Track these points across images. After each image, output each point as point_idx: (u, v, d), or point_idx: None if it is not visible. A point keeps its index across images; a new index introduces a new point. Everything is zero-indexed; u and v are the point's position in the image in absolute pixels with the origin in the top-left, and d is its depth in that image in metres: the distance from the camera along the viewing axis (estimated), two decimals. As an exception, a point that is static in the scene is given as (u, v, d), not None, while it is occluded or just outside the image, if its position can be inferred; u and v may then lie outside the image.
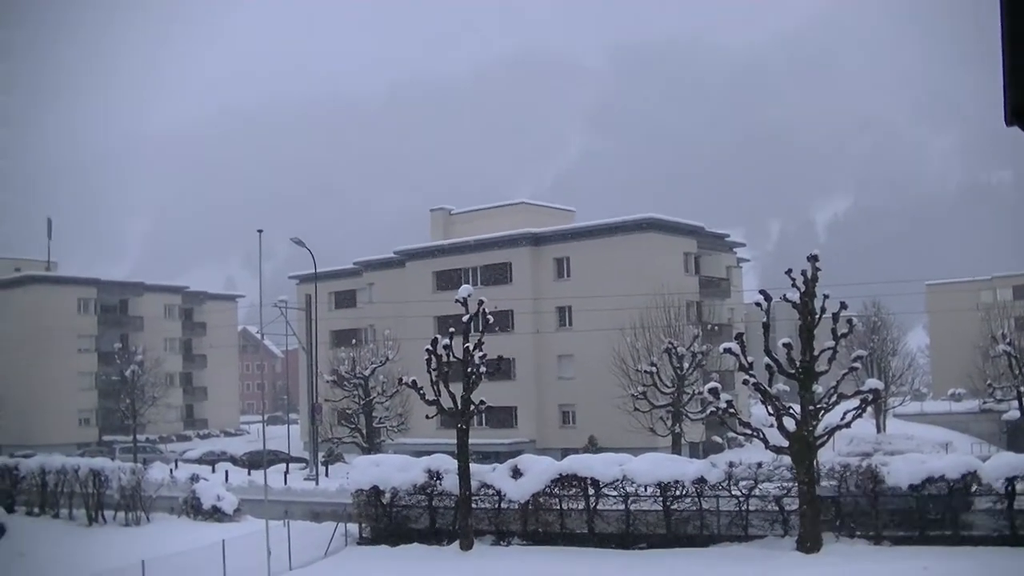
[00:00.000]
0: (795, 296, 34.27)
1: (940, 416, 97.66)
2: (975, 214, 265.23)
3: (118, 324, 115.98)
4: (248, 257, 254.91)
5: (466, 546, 37.19)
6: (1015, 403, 73.75)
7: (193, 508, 48.79)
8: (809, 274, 34.45)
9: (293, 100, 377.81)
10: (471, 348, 38.66)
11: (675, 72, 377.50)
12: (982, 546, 32.86)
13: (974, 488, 33.79)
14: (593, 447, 65.76)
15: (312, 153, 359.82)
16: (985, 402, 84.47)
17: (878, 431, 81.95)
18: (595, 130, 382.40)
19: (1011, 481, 33.29)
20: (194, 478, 53.97)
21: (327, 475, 69.23)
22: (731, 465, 35.94)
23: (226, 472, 68.92)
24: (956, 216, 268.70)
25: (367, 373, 72.61)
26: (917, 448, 71.35)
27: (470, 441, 39.21)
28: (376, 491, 40.15)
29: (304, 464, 76.12)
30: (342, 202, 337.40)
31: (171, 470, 66.88)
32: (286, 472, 69.44)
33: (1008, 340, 72.35)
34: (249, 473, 68.41)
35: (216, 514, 47.82)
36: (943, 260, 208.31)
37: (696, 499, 36.42)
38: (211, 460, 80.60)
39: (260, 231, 43.58)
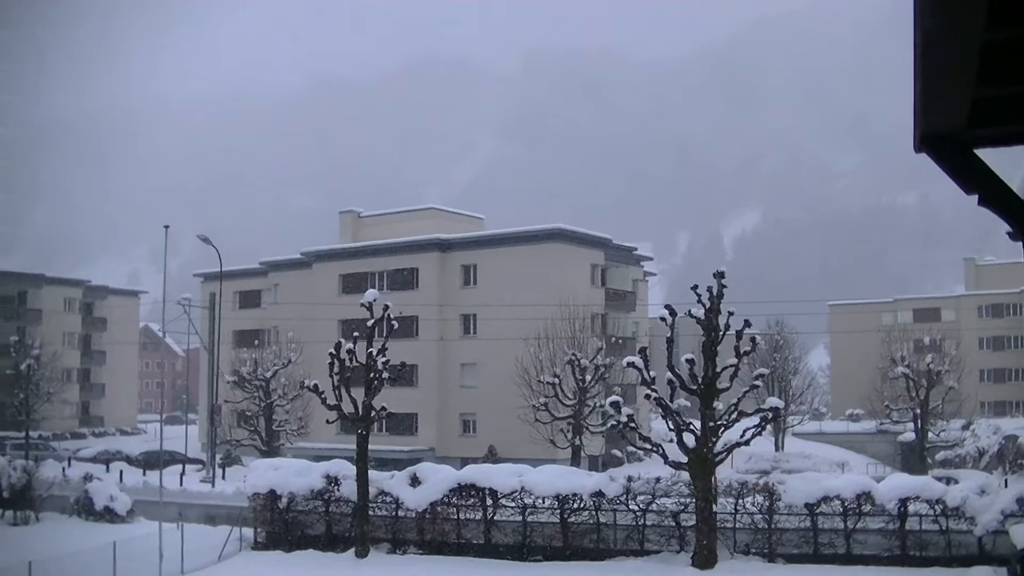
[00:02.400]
0: (700, 312, 34.48)
1: (838, 436, 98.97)
2: (881, 235, 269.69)
3: (15, 316, 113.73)
4: (153, 252, 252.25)
5: (362, 553, 36.94)
6: (911, 425, 74.92)
7: (85, 508, 47.96)
8: (715, 291, 34.69)
9: (205, 93, 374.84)
10: (375, 353, 38.47)
11: (588, 82, 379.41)
12: (874, 565, 33.32)
13: (868, 508, 34.27)
14: (492, 457, 65.70)
15: (223, 148, 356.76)
16: (882, 423, 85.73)
17: (776, 449, 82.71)
18: (507, 137, 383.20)
19: (904, 502, 33.86)
20: (87, 477, 53.16)
21: (224, 477, 68.55)
22: (630, 479, 36.10)
23: (120, 472, 67.91)
24: (862, 236, 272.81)
25: (269, 375, 71.92)
26: (814, 467, 72.08)
27: (369, 447, 38.98)
28: (273, 495, 39.75)
29: (201, 466, 75.29)
30: (252, 200, 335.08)
31: (64, 468, 65.83)
32: (182, 473, 68.55)
33: (906, 363, 73.48)
34: (144, 473, 67.51)
35: (108, 515, 47.04)
36: (847, 281, 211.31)
37: (594, 512, 36.58)
38: (106, 459, 79.42)
39: (167, 227, 43.07)
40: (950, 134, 5.23)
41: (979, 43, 4.18)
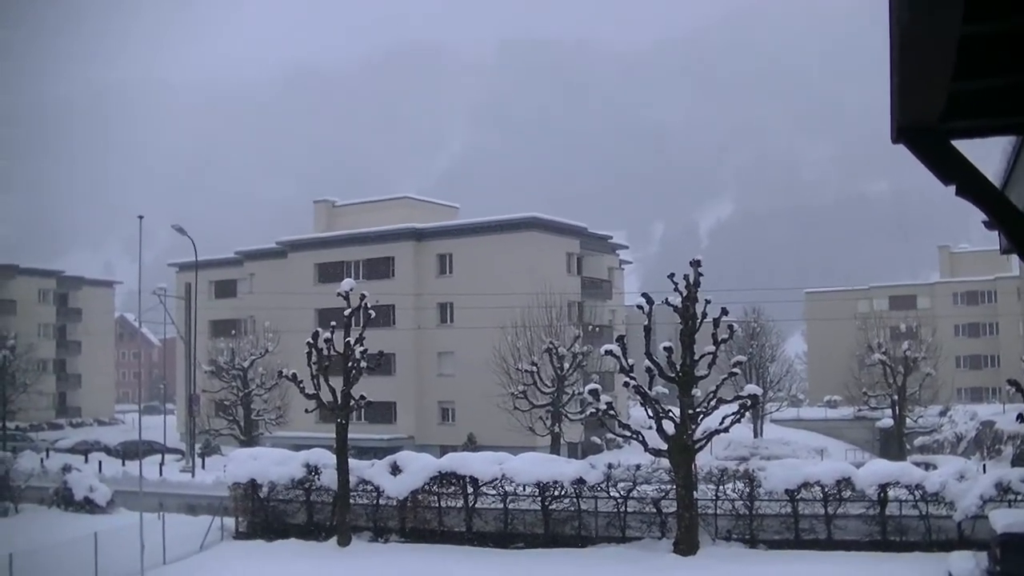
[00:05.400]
0: (677, 301, 34.63)
1: (816, 422, 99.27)
2: (854, 224, 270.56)
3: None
4: (127, 242, 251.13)
5: (343, 542, 37.03)
6: (888, 411, 75.28)
7: (64, 499, 47.96)
8: (691, 279, 34.83)
9: (180, 82, 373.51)
10: (352, 343, 38.51)
11: (562, 72, 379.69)
12: (855, 551, 33.59)
13: (848, 494, 34.52)
14: (472, 445, 65.80)
15: (198, 137, 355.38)
16: (860, 409, 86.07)
17: (755, 436, 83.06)
18: (482, 126, 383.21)
19: (883, 488, 34.12)
20: (66, 468, 52.94)
21: (203, 467, 68.40)
22: (610, 467, 36.24)
23: (99, 462, 67.61)
24: (836, 225, 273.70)
25: (246, 364, 71.83)
26: (793, 453, 72.56)
27: (348, 436, 39.05)
28: (253, 485, 39.81)
29: (180, 455, 75.16)
30: (227, 189, 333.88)
31: (42, 460, 65.47)
32: (161, 463, 68.30)
33: (883, 349, 73.79)
34: (123, 464, 67.43)
35: (88, 506, 47.05)
36: (823, 269, 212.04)
37: (575, 500, 36.72)
38: (84, 450, 79.04)
39: (141, 217, 42.93)
40: (927, 126, 5.35)
41: (957, 36, 4.29)
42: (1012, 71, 5.52)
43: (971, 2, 4.05)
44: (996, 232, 11.75)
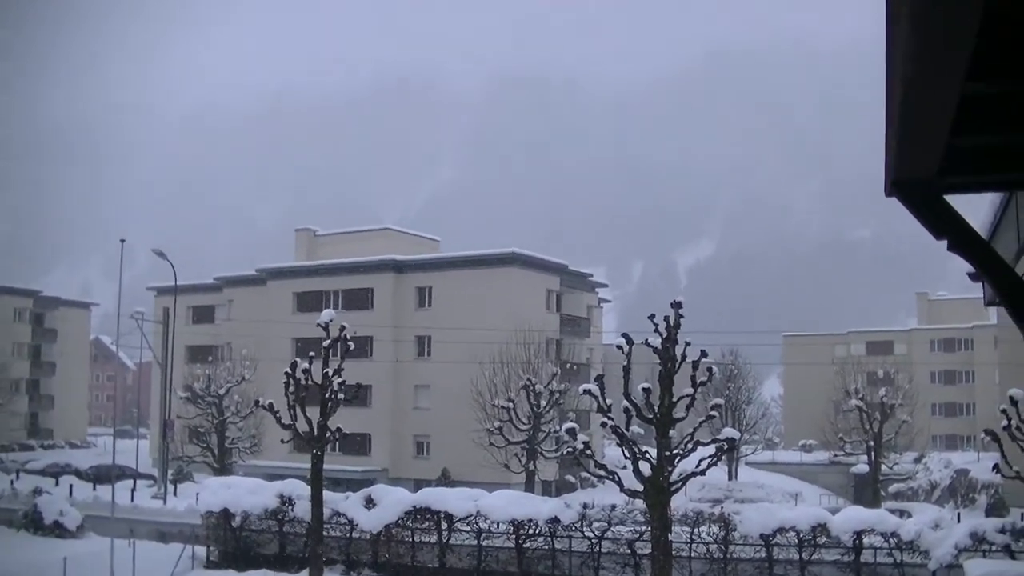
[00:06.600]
0: (657, 342, 34.56)
1: (790, 466, 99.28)
2: (836, 269, 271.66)
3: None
4: (106, 263, 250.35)
5: (315, 575, 36.75)
6: (864, 457, 75.23)
7: (34, 523, 47.44)
8: (672, 320, 34.78)
9: (168, 106, 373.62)
10: (330, 374, 38.32)
11: (552, 109, 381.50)
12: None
13: (823, 540, 34.48)
14: (446, 480, 65.58)
15: (185, 162, 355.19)
16: (836, 455, 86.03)
17: (730, 478, 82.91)
18: (468, 160, 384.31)
19: (859, 535, 34.08)
20: (37, 491, 52.57)
21: (175, 494, 68.00)
22: (585, 507, 36.12)
23: (71, 486, 67.10)
24: (817, 269, 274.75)
25: (222, 392, 71.43)
26: (767, 497, 72.41)
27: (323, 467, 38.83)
28: (226, 514, 39.53)
29: (152, 481, 74.70)
30: (211, 215, 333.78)
31: (12, 481, 65.14)
32: (133, 489, 67.83)
33: (860, 395, 73.78)
34: (95, 488, 66.93)
35: (58, 530, 46.57)
36: (801, 312, 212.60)
37: (549, 539, 36.53)
38: (55, 472, 78.53)
39: (123, 240, 42.85)
40: (921, 181, 5.35)
41: (957, 94, 4.29)
42: (1008, 130, 5.54)
43: (975, 61, 4.05)
44: (980, 283, 11.81)
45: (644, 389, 34.12)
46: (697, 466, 33.59)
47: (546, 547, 36.72)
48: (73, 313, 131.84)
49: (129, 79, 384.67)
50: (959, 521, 39.56)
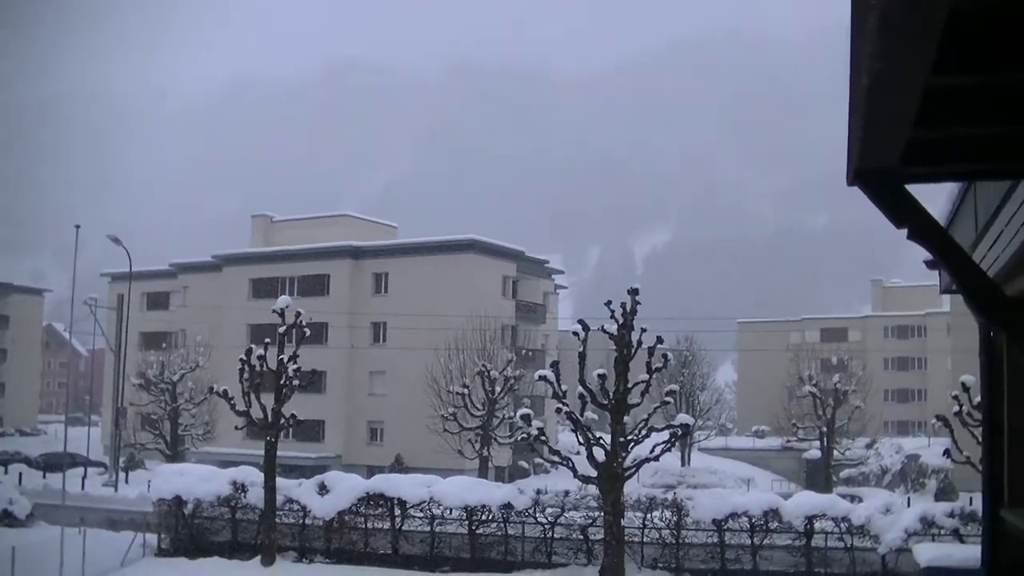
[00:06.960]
0: (613, 328, 34.56)
1: (743, 452, 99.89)
2: (792, 257, 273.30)
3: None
4: (58, 249, 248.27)
5: (268, 562, 36.57)
6: (816, 443, 75.73)
7: (-18, 511, 47.01)
8: (628, 307, 34.78)
9: (124, 92, 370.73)
10: (286, 360, 38.15)
11: (512, 97, 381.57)
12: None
13: (775, 525, 34.63)
14: (399, 466, 65.52)
15: (139, 148, 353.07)
16: (788, 440, 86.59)
17: (682, 464, 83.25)
18: (427, 147, 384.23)
19: (810, 520, 34.27)
20: (-15, 479, 52.12)
21: (127, 482, 67.48)
22: (538, 492, 36.13)
23: (20, 474, 66.45)
24: (773, 257, 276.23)
25: (176, 378, 71.11)
26: (720, 482, 72.80)
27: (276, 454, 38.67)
28: (179, 501, 39.23)
29: (103, 469, 74.17)
30: (167, 201, 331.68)
31: (-40, 469, 64.51)
32: (84, 477, 67.30)
33: (814, 381, 74.17)
34: (44, 476, 66.42)
35: (7, 519, 46.07)
36: (756, 299, 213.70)
37: (502, 524, 36.50)
38: (4, 460, 77.79)
39: (78, 227, 42.47)
40: (883, 171, 5.32)
41: (921, 87, 4.24)
42: (971, 122, 5.54)
43: (941, 54, 3.99)
44: (936, 271, 11.86)
45: (599, 375, 34.15)
46: (651, 452, 33.66)
47: (499, 533, 36.68)
48: (25, 299, 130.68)
49: (82, 68, 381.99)
50: (909, 506, 39.82)
